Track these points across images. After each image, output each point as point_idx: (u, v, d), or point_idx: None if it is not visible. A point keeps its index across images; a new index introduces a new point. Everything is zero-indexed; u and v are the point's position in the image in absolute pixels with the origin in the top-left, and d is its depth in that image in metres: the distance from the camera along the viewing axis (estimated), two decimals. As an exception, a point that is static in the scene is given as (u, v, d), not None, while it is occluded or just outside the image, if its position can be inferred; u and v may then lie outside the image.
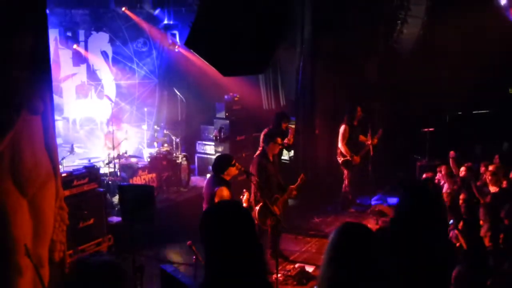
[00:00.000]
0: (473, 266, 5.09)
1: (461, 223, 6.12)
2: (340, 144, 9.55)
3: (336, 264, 2.28)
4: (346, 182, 9.74)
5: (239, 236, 2.36)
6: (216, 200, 5.93)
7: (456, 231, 5.86)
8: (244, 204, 6.60)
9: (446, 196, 7.15)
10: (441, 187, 7.98)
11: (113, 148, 9.05)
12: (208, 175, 10.42)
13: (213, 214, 2.49)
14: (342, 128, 9.54)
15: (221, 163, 6.33)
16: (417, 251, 2.74)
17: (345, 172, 9.71)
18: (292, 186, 7.29)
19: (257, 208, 6.90)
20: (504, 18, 10.35)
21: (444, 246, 2.96)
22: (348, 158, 9.48)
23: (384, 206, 9.41)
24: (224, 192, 5.98)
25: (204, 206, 6.21)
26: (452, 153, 8.97)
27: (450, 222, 6.17)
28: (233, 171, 6.27)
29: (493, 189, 7.51)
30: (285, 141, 8.69)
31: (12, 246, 4.68)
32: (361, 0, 11.01)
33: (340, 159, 9.65)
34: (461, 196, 6.74)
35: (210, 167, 10.36)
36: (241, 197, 6.64)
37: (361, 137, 9.74)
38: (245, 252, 2.35)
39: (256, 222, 6.92)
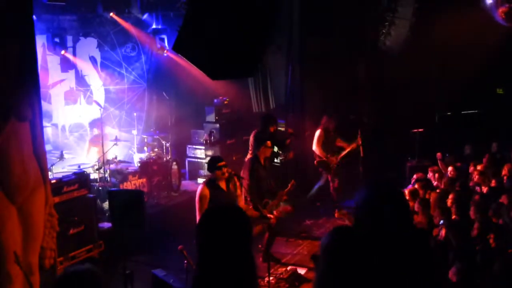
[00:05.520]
0: (462, 265, 5.11)
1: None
2: (314, 147, 9.62)
3: (329, 268, 2.27)
4: (335, 184, 9.73)
5: (234, 240, 2.37)
6: (197, 197, 6.19)
7: (444, 230, 5.90)
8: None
9: (436, 196, 7.18)
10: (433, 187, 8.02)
11: (103, 153, 9.02)
12: (199, 179, 10.53)
13: (210, 216, 2.49)
14: (317, 133, 9.65)
15: (209, 163, 6.54)
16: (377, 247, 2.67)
17: (327, 174, 9.71)
18: (281, 192, 7.35)
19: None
20: (491, 18, 10.43)
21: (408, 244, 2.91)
22: (324, 159, 9.51)
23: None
24: (202, 191, 6.17)
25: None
26: (439, 154, 9.04)
27: (440, 222, 6.21)
28: (218, 174, 6.35)
29: (482, 188, 7.58)
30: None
31: (1, 254, 4.65)
32: (348, 2, 11.06)
33: (316, 160, 9.69)
34: (450, 196, 6.78)
35: (202, 171, 10.47)
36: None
37: (338, 142, 9.76)
38: (237, 258, 2.35)
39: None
